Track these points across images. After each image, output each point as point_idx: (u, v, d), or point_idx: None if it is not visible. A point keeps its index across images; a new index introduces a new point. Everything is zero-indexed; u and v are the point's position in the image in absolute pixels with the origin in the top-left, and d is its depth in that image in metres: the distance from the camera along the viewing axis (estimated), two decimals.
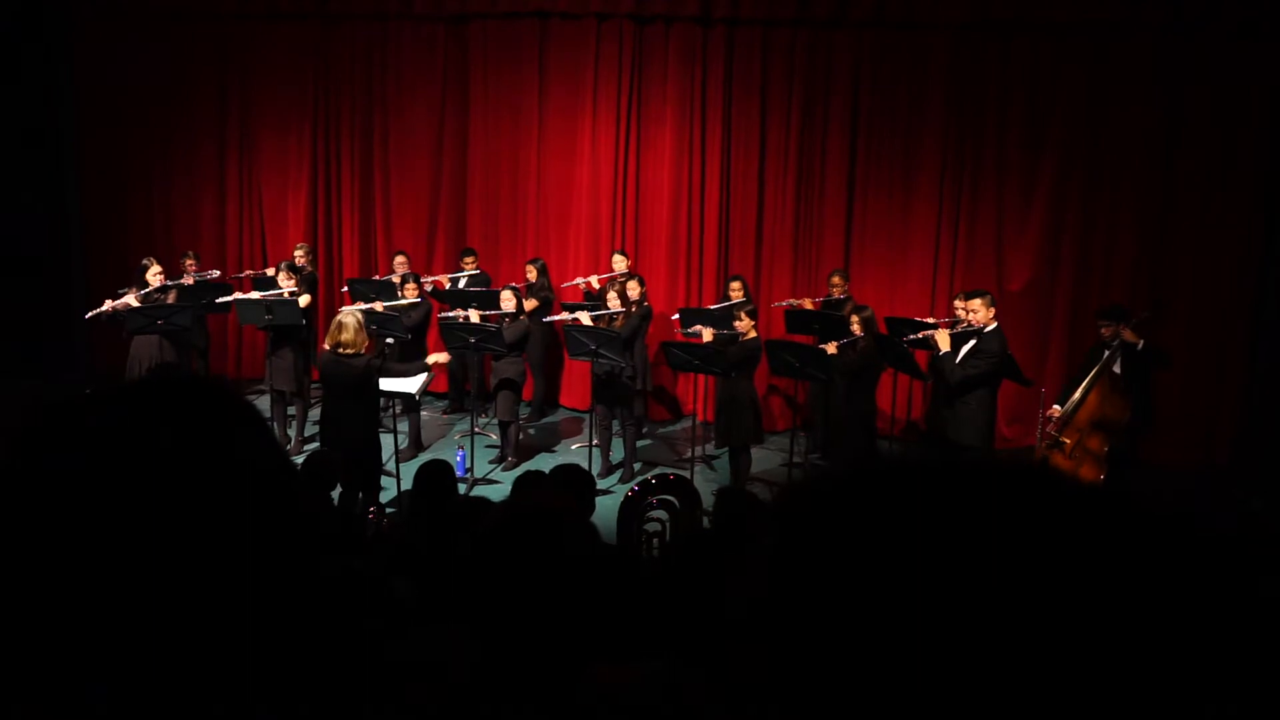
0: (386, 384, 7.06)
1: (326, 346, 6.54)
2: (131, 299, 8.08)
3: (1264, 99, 8.33)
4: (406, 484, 6.07)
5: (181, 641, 0.72)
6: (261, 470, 0.80)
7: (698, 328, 7.79)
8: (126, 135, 10.30)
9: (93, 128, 10.33)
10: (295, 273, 8.52)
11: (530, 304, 8.78)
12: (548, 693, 1.45)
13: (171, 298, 8.36)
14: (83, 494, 0.72)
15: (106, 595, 0.71)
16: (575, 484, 4.37)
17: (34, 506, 0.72)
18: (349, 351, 6.40)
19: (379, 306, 8.06)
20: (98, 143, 10.35)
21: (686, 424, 9.18)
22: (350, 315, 6.58)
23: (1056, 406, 7.05)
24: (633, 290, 8.26)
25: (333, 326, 6.53)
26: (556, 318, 8.33)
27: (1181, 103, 8.46)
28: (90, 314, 8.21)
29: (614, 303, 8.08)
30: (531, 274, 9.12)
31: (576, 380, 9.57)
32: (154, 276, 8.27)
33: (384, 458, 7.16)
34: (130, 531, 0.72)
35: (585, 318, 7.89)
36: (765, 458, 8.29)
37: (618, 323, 8.01)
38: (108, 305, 8.09)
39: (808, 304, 8.65)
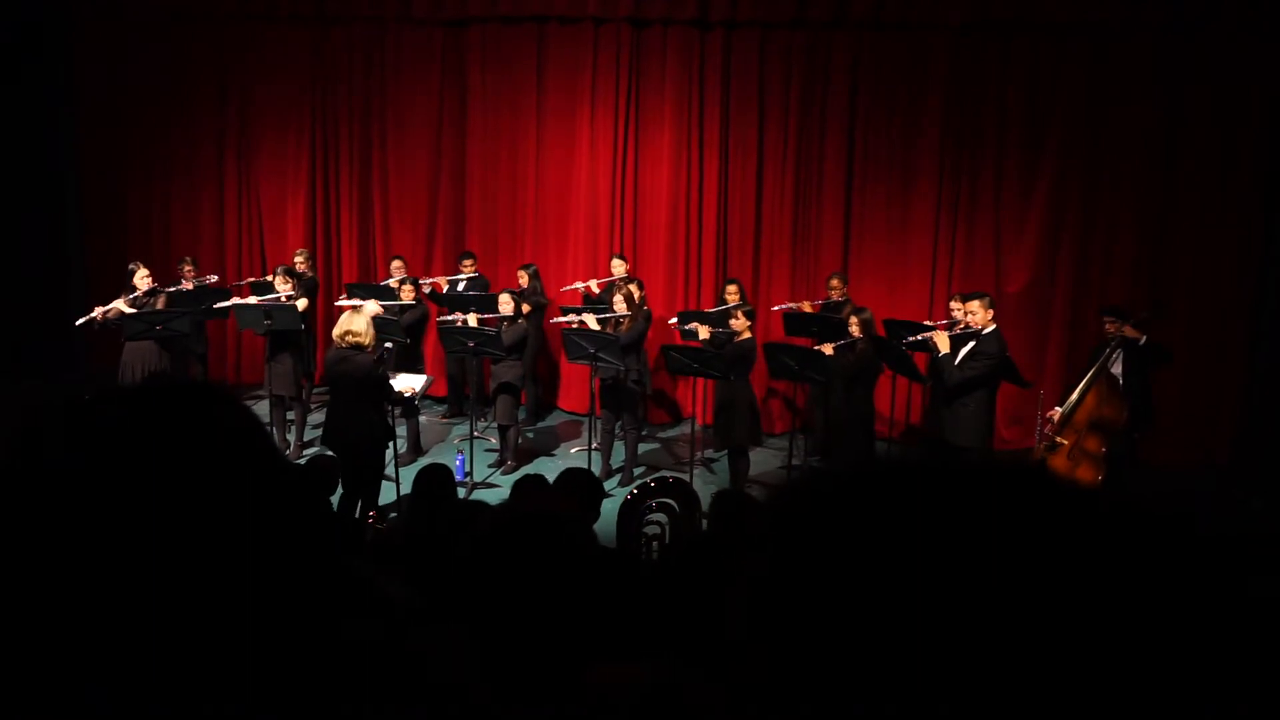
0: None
1: (335, 336, 6.48)
2: (121, 304, 8.05)
3: (1264, 99, 8.32)
4: (406, 488, 6.07)
5: (181, 643, 0.72)
6: (260, 473, 0.80)
7: (694, 325, 7.82)
8: (126, 135, 10.30)
9: (93, 128, 10.33)
10: (294, 277, 8.49)
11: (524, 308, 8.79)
12: (547, 693, 1.45)
13: (160, 302, 8.27)
14: (83, 494, 0.72)
15: (106, 596, 0.71)
16: (583, 488, 4.34)
17: (34, 506, 0.72)
18: (358, 341, 6.36)
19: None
20: (98, 143, 10.35)
21: (686, 427, 9.16)
22: (361, 311, 6.63)
23: (1058, 409, 7.03)
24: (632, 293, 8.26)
25: (342, 319, 6.47)
26: (561, 320, 8.28)
27: (1181, 103, 8.46)
28: (80, 321, 8.12)
29: (620, 306, 8.04)
30: (523, 279, 9.07)
31: (575, 384, 9.55)
32: (141, 280, 8.22)
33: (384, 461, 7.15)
34: (130, 533, 0.72)
35: (592, 320, 7.86)
36: (764, 460, 8.28)
37: (624, 326, 7.99)
38: (97, 312, 8.02)
39: (806, 307, 8.63)
